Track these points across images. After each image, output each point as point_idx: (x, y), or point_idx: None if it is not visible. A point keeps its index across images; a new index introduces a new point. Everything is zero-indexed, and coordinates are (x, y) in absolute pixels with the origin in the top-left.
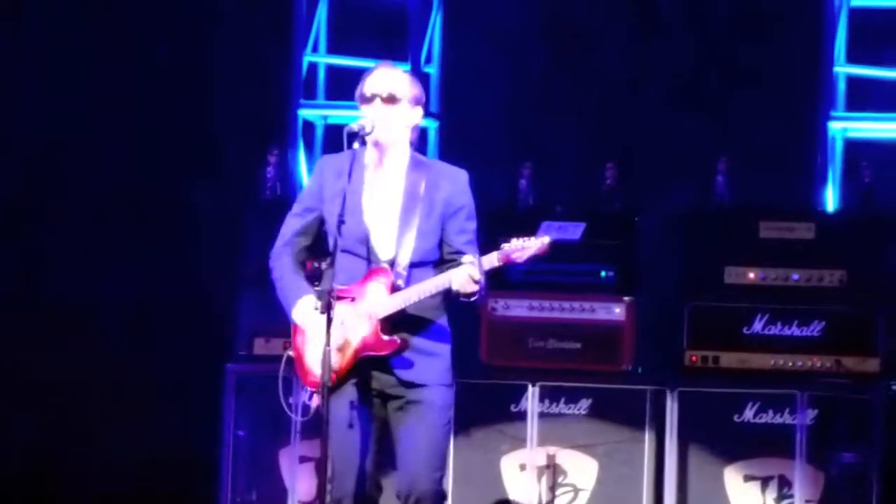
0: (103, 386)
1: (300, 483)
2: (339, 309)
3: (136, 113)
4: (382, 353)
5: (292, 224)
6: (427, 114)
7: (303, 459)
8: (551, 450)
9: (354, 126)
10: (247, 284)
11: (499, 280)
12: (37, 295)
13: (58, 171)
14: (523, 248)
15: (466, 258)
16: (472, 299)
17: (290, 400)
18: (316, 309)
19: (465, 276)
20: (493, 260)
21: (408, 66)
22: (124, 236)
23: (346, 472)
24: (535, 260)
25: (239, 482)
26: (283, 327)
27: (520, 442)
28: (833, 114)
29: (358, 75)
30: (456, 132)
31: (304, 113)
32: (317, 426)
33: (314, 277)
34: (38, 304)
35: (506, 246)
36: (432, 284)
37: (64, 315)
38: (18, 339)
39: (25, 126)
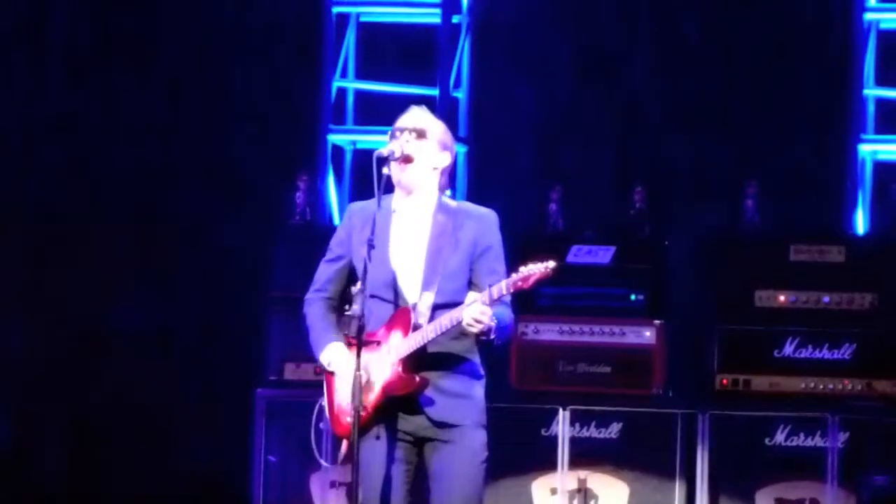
0: (134, 412)
1: None
2: (365, 354)
3: (167, 138)
4: (406, 393)
5: (324, 270)
6: (456, 138)
7: (333, 484)
8: (582, 474)
9: (384, 151)
10: (276, 309)
11: (528, 304)
12: (65, 321)
13: (86, 194)
14: (528, 274)
15: (471, 295)
16: (491, 338)
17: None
18: (346, 334)
19: (476, 308)
20: (501, 288)
21: (436, 91)
22: (154, 262)
23: None
24: (549, 284)
25: None
26: (314, 355)
27: (551, 466)
28: (863, 136)
29: (387, 100)
30: (485, 157)
31: (334, 138)
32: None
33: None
34: (66, 331)
35: (513, 275)
36: (447, 319)
37: (93, 341)
38: (48, 366)
39: (49, 153)
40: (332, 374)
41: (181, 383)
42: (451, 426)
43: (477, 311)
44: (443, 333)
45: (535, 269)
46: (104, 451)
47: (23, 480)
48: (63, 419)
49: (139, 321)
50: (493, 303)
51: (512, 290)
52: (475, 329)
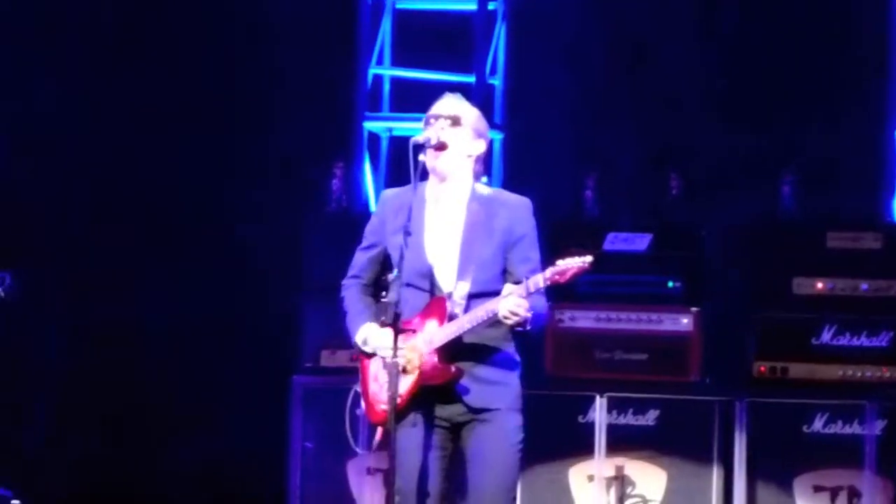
0: (171, 400)
1: (368, 494)
2: (400, 342)
3: (202, 127)
4: (441, 382)
5: (359, 258)
6: (492, 125)
7: (370, 471)
8: (619, 461)
9: (420, 138)
10: (312, 297)
11: (565, 292)
12: (103, 311)
13: (121, 187)
14: (565, 268)
15: (507, 287)
16: (527, 329)
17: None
18: (382, 320)
19: (512, 301)
20: (538, 281)
21: (472, 78)
22: (191, 250)
23: (411, 495)
24: (589, 273)
25: (307, 494)
26: (350, 339)
27: (588, 453)
28: None
29: (423, 88)
30: (520, 144)
31: (369, 125)
32: (384, 440)
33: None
34: (105, 320)
35: (550, 268)
36: (483, 310)
37: (131, 330)
38: (86, 354)
39: (86, 146)
40: (367, 356)
41: (218, 371)
42: (488, 410)
43: (513, 304)
44: (478, 324)
45: (572, 263)
46: (140, 439)
47: (58, 470)
48: (98, 410)
49: (177, 310)
50: (529, 294)
51: (549, 284)
52: (511, 321)
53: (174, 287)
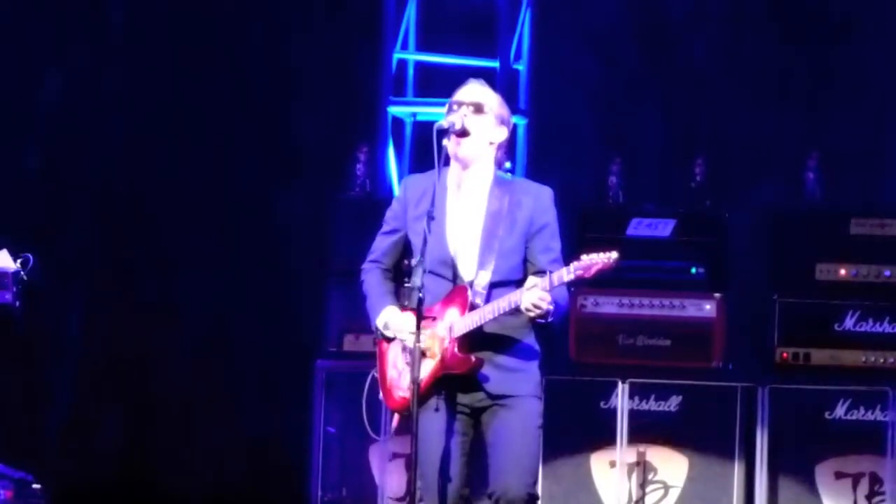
0: (193, 383)
1: (390, 479)
2: (422, 329)
3: (226, 111)
4: (462, 372)
5: (380, 243)
6: (516, 111)
7: (393, 456)
8: (641, 447)
9: (444, 123)
10: (336, 281)
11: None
12: (126, 294)
13: (146, 169)
14: (590, 264)
15: (531, 279)
16: (548, 321)
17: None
18: (405, 305)
19: (535, 294)
20: (562, 276)
21: (497, 63)
22: (215, 235)
23: (433, 480)
24: (614, 263)
25: (329, 478)
26: (370, 323)
27: (610, 439)
28: None
29: (447, 72)
30: (545, 129)
31: (394, 110)
32: (407, 425)
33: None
34: (127, 303)
35: (574, 263)
36: (506, 301)
37: (153, 313)
38: (109, 336)
39: (113, 126)
40: (387, 340)
41: (241, 355)
42: (508, 396)
43: (536, 297)
44: (499, 315)
45: (597, 259)
46: (162, 421)
47: (80, 453)
48: (121, 393)
49: (200, 293)
50: (553, 288)
51: (573, 279)
52: (533, 314)
53: (198, 271)
